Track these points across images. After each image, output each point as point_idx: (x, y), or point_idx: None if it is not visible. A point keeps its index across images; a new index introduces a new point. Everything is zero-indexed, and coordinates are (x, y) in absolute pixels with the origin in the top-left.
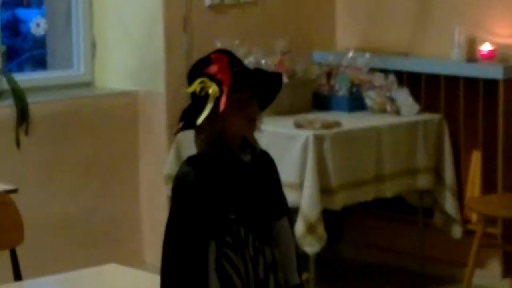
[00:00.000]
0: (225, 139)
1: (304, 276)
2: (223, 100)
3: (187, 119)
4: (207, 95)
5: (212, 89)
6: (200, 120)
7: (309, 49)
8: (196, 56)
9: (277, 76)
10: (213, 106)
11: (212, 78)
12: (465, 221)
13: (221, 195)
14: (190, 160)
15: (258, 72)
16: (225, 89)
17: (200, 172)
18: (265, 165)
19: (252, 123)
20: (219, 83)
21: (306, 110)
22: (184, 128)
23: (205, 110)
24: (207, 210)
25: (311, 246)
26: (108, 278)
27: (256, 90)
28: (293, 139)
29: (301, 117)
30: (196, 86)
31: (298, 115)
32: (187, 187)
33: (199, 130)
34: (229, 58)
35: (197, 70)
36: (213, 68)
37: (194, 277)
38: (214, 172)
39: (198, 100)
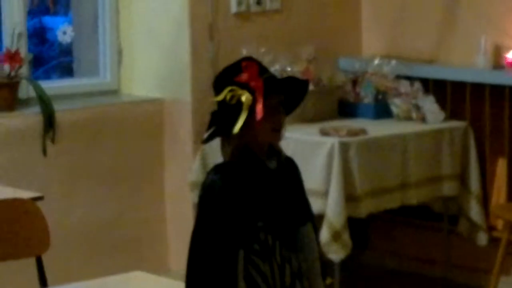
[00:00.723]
0: (252, 147)
1: (328, 280)
2: (260, 108)
3: (217, 127)
4: (239, 103)
5: (246, 97)
6: (236, 129)
7: (335, 56)
8: (222, 63)
9: (304, 83)
10: (248, 115)
11: (243, 86)
12: (491, 228)
13: (249, 203)
14: (218, 168)
15: (288, 79)
16: (259, 97)
17: (227, 180)
18: (290, 171)
19: (279, 131)
20: (251, 91)
21: (331, 117)
22: (214, 136)
23: (240, 118)
24: (235, 219)
25: (336, 254)
26: (133, 286)
27: (283, 97)
28: (319, 147)
29: (327, 125)
30: (226, 94)
31: (323, 123)
32: (214, 195)
33: (228, 138)
34: (259, 65)
35: (225, 78)
36: (244, 76)
37: (223, 286)
38: (242, 180)
39: (228, 109)
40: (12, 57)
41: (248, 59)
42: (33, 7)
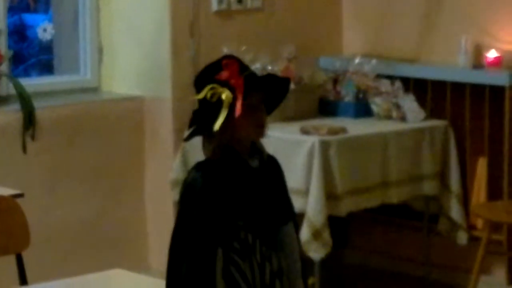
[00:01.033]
0: (234, 145)
1: (310, 280)
2: (239, 105)
3: (198, 125)
4: (219, 101)
5: (226, 94)
6: (216, 126)
7: (316, 55)
8: (203, 61)
9: (285, 81)
10: (227, 112)
11: (224, 84)
12: (471, 227)
13: (230, 201)
14: (199, 166)
15: (268, 77)
16: (239, 95)
17: (208, 178)
18: (272, 170)
19: (261, 128)
20: (231, 89)
21: (312, 116)
22: (195, 134)
23: (220, 116)
24: (215, 217)
25: (316, 252)
26: (114, 283)
27: (264, 95)
28: (299, 145)
29: (307, 123)
30: (206, 92)
31: (304, 121)
32: (195, 193)
33: (209, 136)
34: (239, 62)
35: (206, 77)
36: (225, 74)
37: (201, 284)
38: (223, 178)
39: (209, 107)
40: None
41: (229, 57)
42: (13, 4)
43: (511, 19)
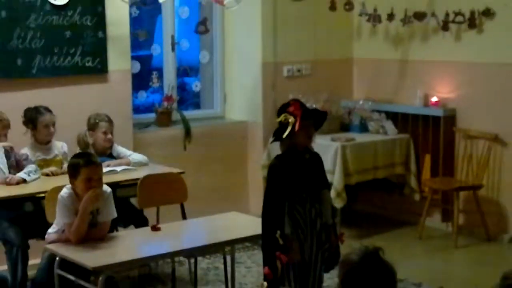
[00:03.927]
0: (296, 146)
1: (336, 219)
2: (298, 125)
3: (277, 135)
4: (287, 123)
5: (291, 119)
6: (284, 135)
7: (339, 99)
8: (279, 102)
9: (324, 113)
10: (291, 128)
11: (291, 113)
12: (422, 191)
13: (292, 175)
14: (277, 156)
15: (315, 110)
16: (298, 119)
17: (280, 162)
18: (316, 160)
19: (311, 138)
20: (294, 116)
21: (336, 131)
22: (275, 140)
23: (286, 130)
24: (283, 182)
25: (338, 204)
26: (232, 221)
27: (312, 120)
28: (330, 147)
29: (334, 135)
30: (282, 117)
31: (332, 134)
32: (274, 170)
33: (282, 141)
34: (300, 103)
35: (282, 109)
36: (291, 108)
37: (276, 218)
38: (288, 162)
39: (283, 126)
40: (169, 98)
41: (295, 100)
42: (179, 72)
43: (441, 79)
